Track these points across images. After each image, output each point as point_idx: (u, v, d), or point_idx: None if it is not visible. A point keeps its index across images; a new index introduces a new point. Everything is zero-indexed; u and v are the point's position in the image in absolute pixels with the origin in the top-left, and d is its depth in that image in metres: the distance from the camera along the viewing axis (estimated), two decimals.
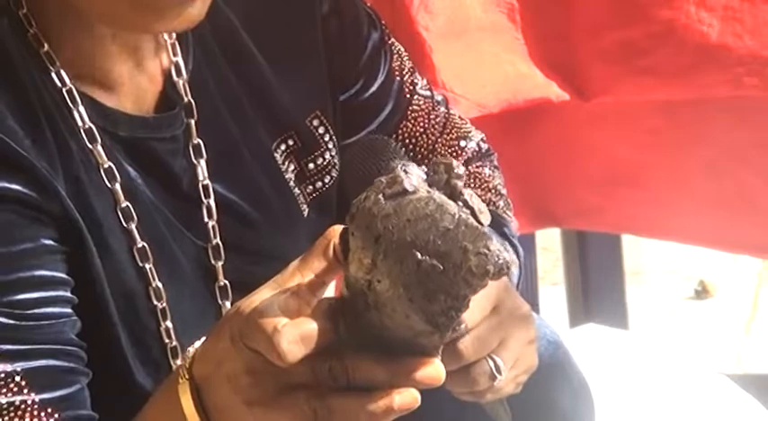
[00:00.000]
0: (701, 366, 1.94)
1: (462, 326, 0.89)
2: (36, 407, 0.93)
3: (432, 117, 1.22)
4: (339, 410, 0.78)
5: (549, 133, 1.91)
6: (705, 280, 3.13)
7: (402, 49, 1.22)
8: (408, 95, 1.21)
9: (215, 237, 1.08)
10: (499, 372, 0.95)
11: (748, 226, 1.84)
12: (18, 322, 0.93)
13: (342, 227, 0.79)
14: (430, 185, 0.75)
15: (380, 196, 0.74)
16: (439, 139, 1.23)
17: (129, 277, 1.02)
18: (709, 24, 1.64)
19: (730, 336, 2.84)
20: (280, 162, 1.13)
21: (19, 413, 0.92)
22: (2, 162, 0.94)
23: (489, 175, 1.25)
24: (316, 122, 1.14)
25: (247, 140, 1.10)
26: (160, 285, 1.04)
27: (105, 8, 0.96)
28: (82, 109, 1.00)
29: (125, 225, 1.02)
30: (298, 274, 0.82)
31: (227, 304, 1.08)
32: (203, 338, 0.88)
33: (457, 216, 0.73)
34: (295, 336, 0.76)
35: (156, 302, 1.04)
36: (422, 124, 1.22)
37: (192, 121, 1.06)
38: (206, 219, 1.07)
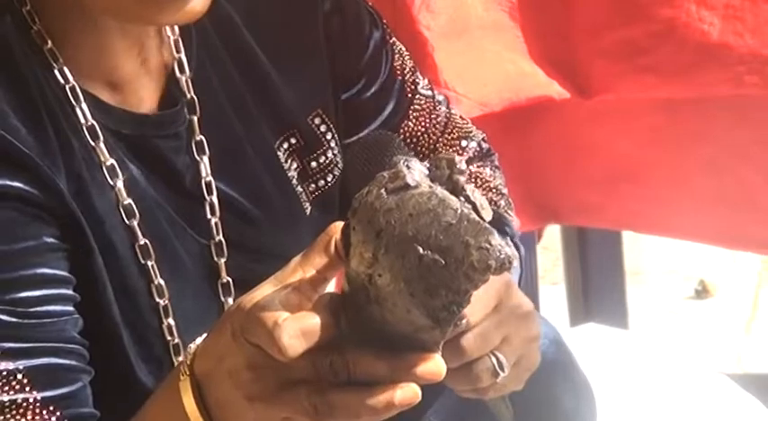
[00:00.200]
0: (702, 366, 1.93)
1: (463, 321, 0.89)
2: (38, 404, 0.93)
3: (433, 117, 1.22)
4: (340, 405, 0.79)
5: (551, 131, 1.92)
6: (705, 279, 3.13)
7: (403, 49, 1.22)
8: (410, 95, 1.21)
9: (218, 235, 1.08)
10: (502, 369, 0.95)
11: (749, 222, 1.84)
12: (20, 320, 0.93)
13: (343, 222, 0.79)
14: (432, 181, 0.76)
15: (383, 191, 0.75)
16: (440, 139, 1.23)
17: (131, 274, 1.02)
18: (710, 23, 1.64)
19: (730, 336, 2.84)
20: (282, 160, 1.13)
21: (21, 411, 0.92)
22: (4, 159, 0.94)
23: (490, 175, 1.25)
24: (317, 121, 1.14)
25: (250, 138, 1.10)
26: (162, 282, 1.04)
27: (110, 1, 0.96)
28: (84, 106, 1.00)
29: (127, 222, 1.02)
30: (299, 270, 0.82)
31: (230, 301, 1.08)
32: (205, 335, 0.88)
33: (459, 211, 0.73)
34: (296, 331, 0.77)
35: (158, 299, 1.04)
36: (423, 124, 1.22)
37: (195, 118, 1.06)
38: (209, 216, 1.07)
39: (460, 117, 1.27)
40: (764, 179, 1.79)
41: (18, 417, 0.92)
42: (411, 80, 1.21)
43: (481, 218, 0.74)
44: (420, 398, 0.78)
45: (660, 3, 1.66)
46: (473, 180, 1.23)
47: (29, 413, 0.92)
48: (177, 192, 1.06)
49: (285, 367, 0.79)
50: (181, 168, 1.06)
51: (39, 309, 0.94)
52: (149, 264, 1.03)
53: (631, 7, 1.69)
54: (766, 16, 1.64)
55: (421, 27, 1.68)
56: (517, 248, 1.20)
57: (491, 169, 1.26)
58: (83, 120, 1.00)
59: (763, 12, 1.64)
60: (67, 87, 1.00)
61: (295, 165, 1.14)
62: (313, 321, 0.77)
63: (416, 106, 1.21)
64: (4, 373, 0.92)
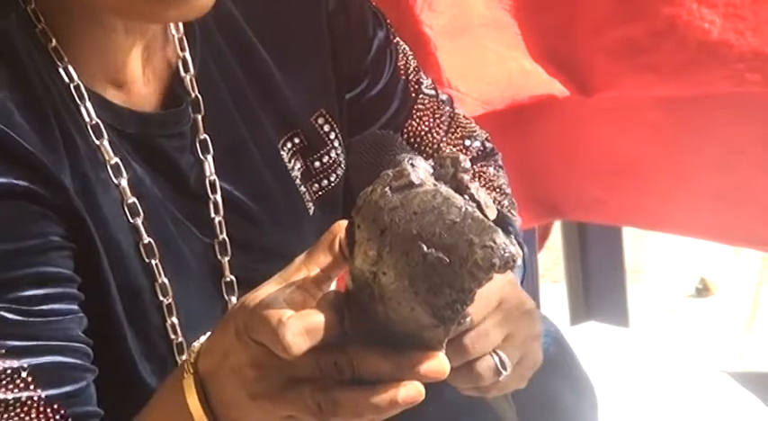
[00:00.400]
0: (702, 364, 1.93)
1: (467, 319, 0.90)
2: (42, 403, 0.93)
3: (437, 116, 1.22)
4: (344, 403, 0.79)
5: (552, 128, 1.91)
6: (706, 277, 3.13)
7: (407, 48, 1.22)
8: (413, 94, 1.21)
9: (221, 233, 1.08)
10: (504, 368, 0.95)
11: (749, 219, 1.84)
12: (25, 318, 0.93)
13: (347, 221, 0.79)
14: (436, 179, 0.76)
15: (387, 189, 0.75)
16: (444, 138, 1.23)
17: (135, 273, 1.02)
18: (711, 21, 1.65)
19: (731, 334, 2.84)
20: (286, 160, 1.13)
21: (25, 409, 0.92)
22: (9, 157, 0.94)
23: (494, 175, 1.25)
24: (321, 121, 1.14)
25: (254, 137, 1.10)
26: (166, 281, 1.03)
27: None
28: (89, 105, 1.00)
29: (131, 221, 1.02)
30: (303, 269, 0.82)
31: (233, 300, 1.08)
32: (209, 333, 0.88)
33: (463, 209, 0.74)
34: (300, 329, 0.77)
35: (162, 298, 1.04)
36: (427, 123, 1.22)
37: (199, 117, 1.06)
38: (212, 215, 1.07)
39: (464, 116, 1.27)
40: (765, 176, 1.79)
41: (22, 415, 0.92)
42: (415, 80, 1.21)
43: (485, 216, 0.74)
44: (424, 396, 0.79)
45: (661, 1, 1.66)
46: (476, 179, 1.23)
47: (33, 411, 0.92)
48: (181, 190, 1.06)
49: (289, 365, 0.79)
50: (185, 167, 1.06)
51: (43, 307, 0.94)
52: (153, 262, 1.03)
53: (632, 5, 1.69)
54: (767, 15, 1.65)
55: (423, 26, 1.68)
56: (521, 247, 1.20)
57: (494, 169, 1.26)
58: (87, 119, 1.00)
59: (763, 10, 1.65)
60: (72, 86, 1.00)
61: (298, 165, 1.14)
62: (317, 319, 0.78)
63: (420, 106, 1.21)
64: (9, 371, 0.92)
